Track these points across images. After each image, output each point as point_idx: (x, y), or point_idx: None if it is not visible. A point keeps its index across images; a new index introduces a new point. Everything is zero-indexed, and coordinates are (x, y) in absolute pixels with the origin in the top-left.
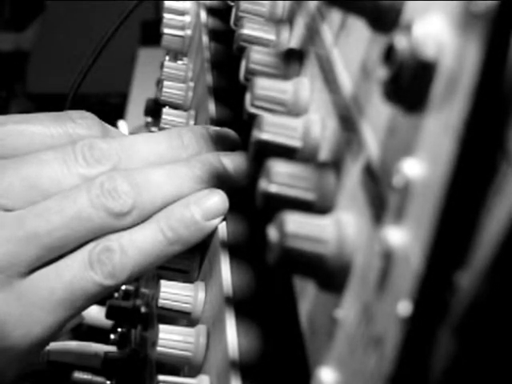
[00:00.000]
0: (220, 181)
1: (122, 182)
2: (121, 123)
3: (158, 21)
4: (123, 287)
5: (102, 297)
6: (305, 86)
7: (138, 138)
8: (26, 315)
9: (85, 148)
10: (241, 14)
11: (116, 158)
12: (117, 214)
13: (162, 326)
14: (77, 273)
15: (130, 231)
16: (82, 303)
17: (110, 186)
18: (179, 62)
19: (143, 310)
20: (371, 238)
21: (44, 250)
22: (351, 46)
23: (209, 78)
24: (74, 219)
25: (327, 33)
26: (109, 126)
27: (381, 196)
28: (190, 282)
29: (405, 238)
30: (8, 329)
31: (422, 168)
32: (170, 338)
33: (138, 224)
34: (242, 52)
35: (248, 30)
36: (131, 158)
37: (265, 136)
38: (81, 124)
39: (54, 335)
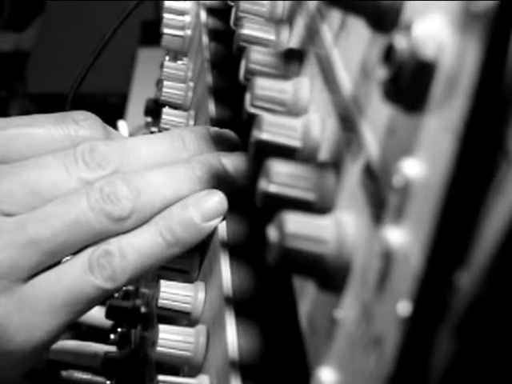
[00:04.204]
0: (220, 181)
1: (121, 186)
2: (121, 123)
3: (158, 21)
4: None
5: (102, 300)
6: (305, 86)
7: (139, 141)
8: (27, 320)
9: (85, 151)
10: (241, 14)
11: (117, 162)
12: (116, 218)
13: (161, 326)
14: (77, 277)
15: (130, 234)
16: (83, 307)
17: (109, 191)
18: (179, 62)
19: (143, 310)
20: (371, 238)
21: (44, 256)
22: (351, 46)
23: (209, 78)
24: (74, 224)
25: (327, 33)
26: (110, 128)
27: (380, 196)
28: (190, 282)
29: (404, 238)
30: (10, 333)
31: (422, 168)
32: (170, 338)
33: (137, 226)
34: (241, 52)
35: (248, 30)
36: (132, 160)
37: (265, 136)
38: (83, 125)
39: (56, 339)
